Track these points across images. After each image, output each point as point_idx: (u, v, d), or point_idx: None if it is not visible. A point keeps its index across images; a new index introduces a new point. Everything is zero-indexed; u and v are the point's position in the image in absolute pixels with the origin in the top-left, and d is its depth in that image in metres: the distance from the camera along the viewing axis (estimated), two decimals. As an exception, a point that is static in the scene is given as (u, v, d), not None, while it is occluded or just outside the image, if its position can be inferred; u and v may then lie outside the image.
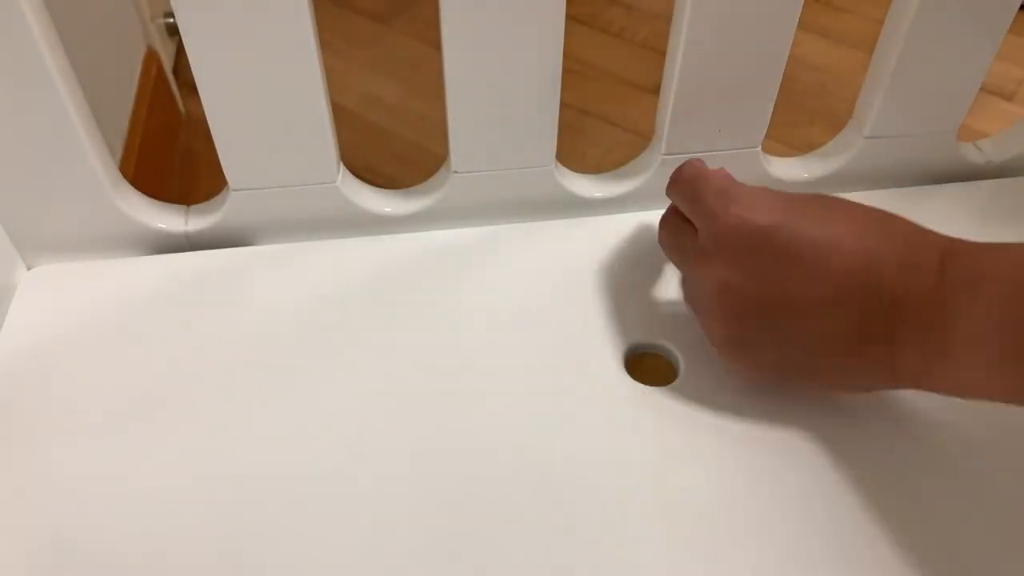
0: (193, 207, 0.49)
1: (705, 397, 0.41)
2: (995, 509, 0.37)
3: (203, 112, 0.42)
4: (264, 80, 0.42)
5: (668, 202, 0.50)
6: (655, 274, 0.47)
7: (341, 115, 0.44)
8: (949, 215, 0.50)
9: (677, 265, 0.43)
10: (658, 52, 1.23)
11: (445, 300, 0.45)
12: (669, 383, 0.41)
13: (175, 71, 1.10)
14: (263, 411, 0.40)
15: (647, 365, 0.43)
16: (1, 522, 0.36)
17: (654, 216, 0.50)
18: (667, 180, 0.49)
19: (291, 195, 0.47)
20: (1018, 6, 0.44)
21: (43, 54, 0.39)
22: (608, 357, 0.42)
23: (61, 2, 0.45)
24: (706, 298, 0.38)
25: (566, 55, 0.43)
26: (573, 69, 1.17)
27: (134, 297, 0.46)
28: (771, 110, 0.47)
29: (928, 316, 0.31)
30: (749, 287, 0.35)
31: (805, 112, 1.15)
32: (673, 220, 0.42)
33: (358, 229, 0.49)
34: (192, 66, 0.41)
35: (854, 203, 0.36)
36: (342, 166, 0.48)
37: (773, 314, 0.35)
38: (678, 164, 0.40)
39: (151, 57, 1.03)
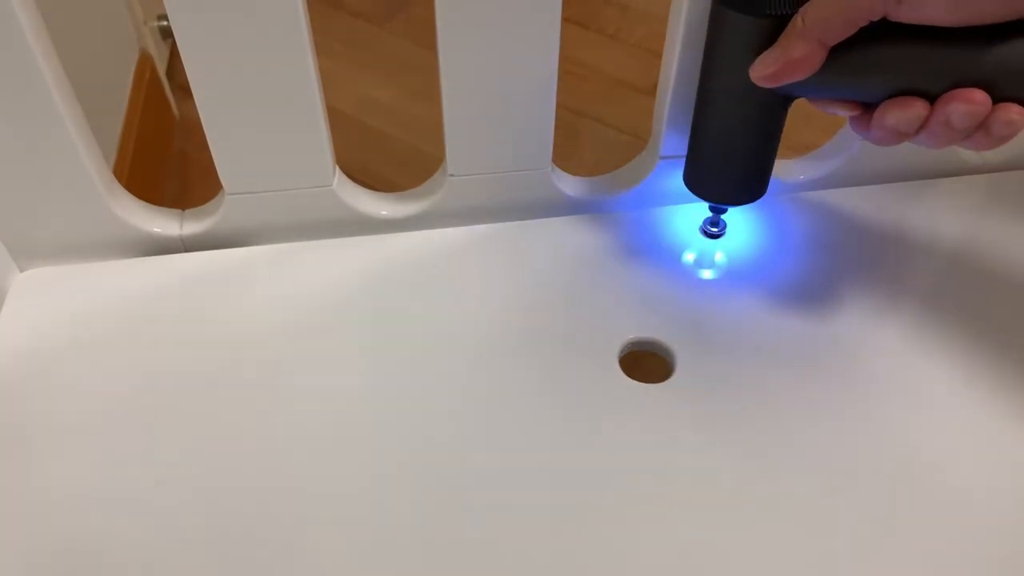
0: (188, 211, 0.49)
1: (700, 394, 0.41)
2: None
3: (197, 115, 0.42)
4: (259, 83, 0.41)
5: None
6: (650, 273, 0.46)
7: (336, 118, 0.44)
8: (947, 208, 0.50)
9: None
10: (653, 53, 1.23)
11: (441, 300, 0.45)
12: (664, 380, 0.42)
13: (169, 74, 1.09)
14: (259, 413, 0.40)
15: (643, 363, 0.43)
16: (-5, 529, 0.36)
17: (651, 216, 0.50)
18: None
19: (287, 199, 0.47)
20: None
21: (36, 58, 0.39)
22: (604, 355, 0.42)
23: (54, 5, 0.45)
24: None
25: (561, 57, 0.43)
26: (569, 71, 1.17)
27: (128, 299, 0.45)
28: (768, 111, 0.47)
29: None
30: None
31: (801, 113, 1.15)
32: None
33: (354, 232, 0.49)
34: (186, 69, 0.40)
35: None
36: (338, 169, 0.47)
37: None
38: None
39: (145, 60, 1.03)
